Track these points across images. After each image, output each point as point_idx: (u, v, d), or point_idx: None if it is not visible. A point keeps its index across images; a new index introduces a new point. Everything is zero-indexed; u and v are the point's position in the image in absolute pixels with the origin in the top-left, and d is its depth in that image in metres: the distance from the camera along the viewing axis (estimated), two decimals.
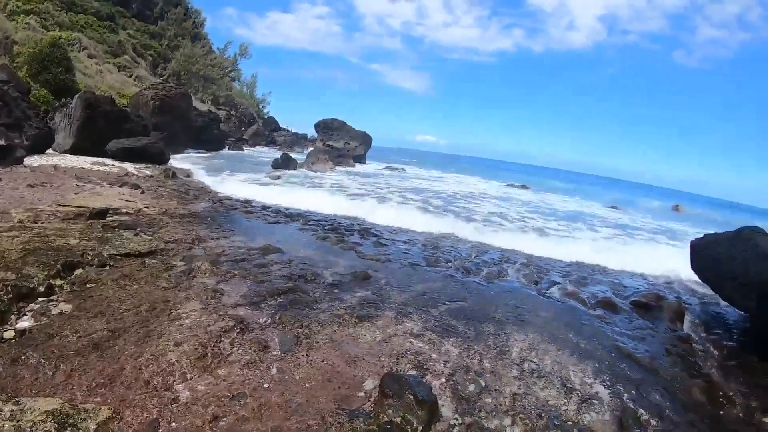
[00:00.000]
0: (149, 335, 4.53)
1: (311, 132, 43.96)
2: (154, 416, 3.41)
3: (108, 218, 8.29)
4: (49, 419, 3.26)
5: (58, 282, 5.40)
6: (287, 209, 11.51)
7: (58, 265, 5.63)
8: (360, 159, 30.70)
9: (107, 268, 6.12)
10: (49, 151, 15.14)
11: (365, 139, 32.49)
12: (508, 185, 33.47)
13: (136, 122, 18.52)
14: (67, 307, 4.94)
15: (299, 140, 42.93)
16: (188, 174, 15.85)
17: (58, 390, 3.58)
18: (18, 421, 3.21)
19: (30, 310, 4.79)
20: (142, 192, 11.19)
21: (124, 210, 8.94)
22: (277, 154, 24.92)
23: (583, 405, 4.11)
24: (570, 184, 48.10)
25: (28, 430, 3.16)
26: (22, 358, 3.91)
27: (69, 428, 3.22)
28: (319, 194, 13.68)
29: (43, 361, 3.92)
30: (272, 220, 10.46)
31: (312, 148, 32.76)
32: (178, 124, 22.79)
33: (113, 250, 6.51)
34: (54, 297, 5.16)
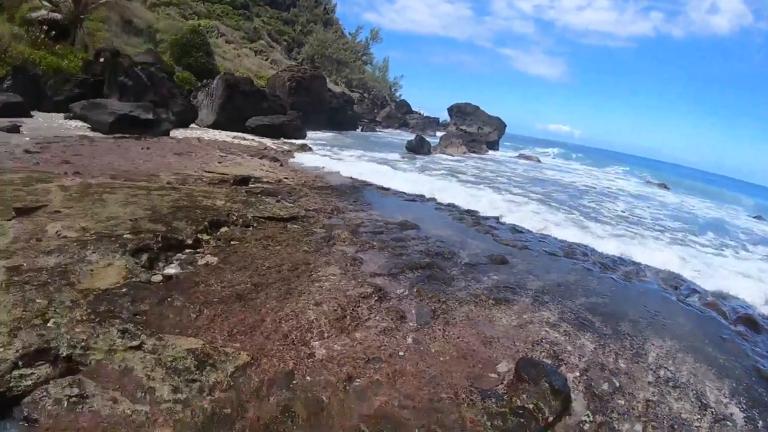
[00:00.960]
0: (290, 292, 4.75)
1: (442, 116, 44.34)
2: (290, 368, 3.58)
3: (250, 185, 8.77)
4: (190, 356, 3.54)
5: (205, 237, 5.78)
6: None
7: (206, 222, 6.05)
8: (493, 145, 30.12)
9: (251, 228, 6.48)
10: (193, 125, 16.81)
11: (499, 125, 31.83)
12: (646, 182, 30.99)
13: (273, 101, 19.90)
14: (213, 260, 5.25)
15: (431, 123, 43.34)
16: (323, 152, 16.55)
17: (199, 332, 3.87)
18: (159, 355, 3.53)
19: (177, 259, 5.20)
20: (281, 165, 11.79)
21: (265, 179, 9.45)
22: (410, 136, 25.21)
23: (716, 425, 3.87)
24: (709, 186, 43.47)
25: (169, 363, 3.44)
26: (168, 300, 4.27)
27: (208, 367, 3.47)
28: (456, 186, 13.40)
29: (187, 304, 4.25)
30: (408, 198, 10.49)
31: (444, 132, 32.73)
32: (313, 104, 24.06)
33: (257, 213, 6.87)
34: (200, 250, 5.52)
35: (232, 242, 5.96)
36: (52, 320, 3.71)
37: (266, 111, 18.86)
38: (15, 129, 11.34)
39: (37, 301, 3.87)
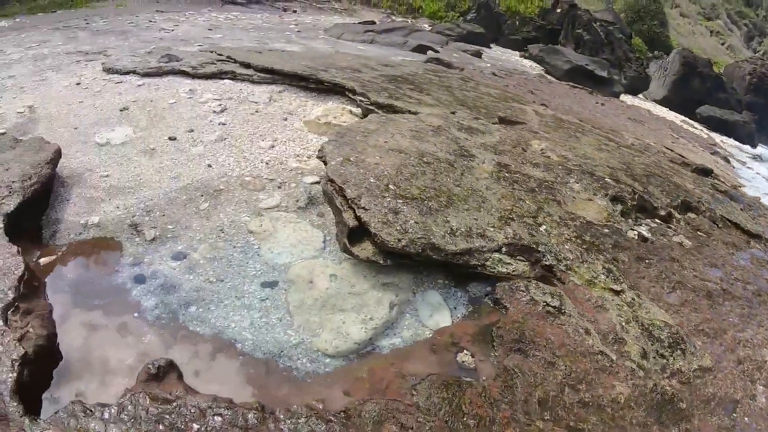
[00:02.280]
0: (751, 317, 4.06)
1: None
2: (737, 398, 3.20)
3: (712, 179, 7.87)
4: (666, 330, 3.37)
5: (677, 215, 5.31)
6: None
7: (679, 200, 5.56)
8: None
9: (717, 227, 5.74)
10: (640, 96, 16.19)
11: None
12: None
13: (729, 94, 17.72)
14: (686, 242, 4.81)
15: None
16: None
17: (670, 309, 3.67)
18: (635, 311, 3.46)
19: (646, 225, 4.90)
20: (733, 167, 10.43)
21: (722, 178, 8.36)
22: None
23: None
24: None
25: (645, 324, 3.37)
26: (646, 262, 4.13)
27: (678, 351, 3.28)
28: None
29: (663, 276, 4.04)
30: None
31: None
32: None
33: (724, 212, 6.06)
34: (672, 226, 5.10)
35: (698, 232, 5.37)
36: (543, 226, 3.82)
37: (720, 103, 16.99)
38: (478, 54, 13.06)
39: (527, 202, 4.09)
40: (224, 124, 5.40)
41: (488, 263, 3.45)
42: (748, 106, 19.36)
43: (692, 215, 5.83)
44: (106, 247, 3.57)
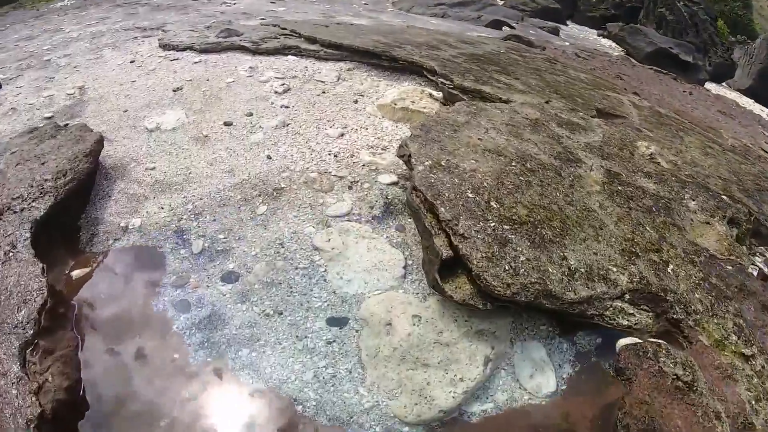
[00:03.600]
0: None
1: None
2: None
3: None
4: None
5: None
6: None
7: None
8: None
9: None
10: (724, 84, 14.80)
11: None
12: None
13: None
14: None
15: None
16: None
17: None
18: (764, 384, 2.68)
19: (761, 255, 4.08)
20: None
21: None
22: None
23: None
24: None
25: None
26: None
27: None
28: None
29: None
30: None
31: None
32: None
33: None
34: None
35: None
36: (670, 265, 3.04)
37: None
38: (555, 32, 12.05)
39: (647, 228, 3.31)
40: (287, 107, 4.70)
41: (607, 313, 2.71)
42: None
43: None
44: (146, 259, 2.98)
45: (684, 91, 9.79)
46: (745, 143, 7.41)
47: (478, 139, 3.75)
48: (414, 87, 5.38)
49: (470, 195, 3.00)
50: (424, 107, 4.90)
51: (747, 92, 15.03)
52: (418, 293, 2.84)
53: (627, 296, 2.77)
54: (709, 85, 13.01)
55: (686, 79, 11.84)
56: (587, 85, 6.21)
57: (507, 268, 2.58)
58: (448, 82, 5.09)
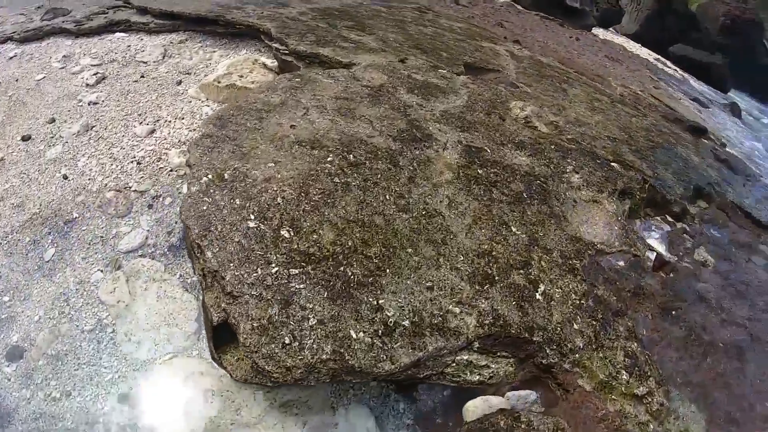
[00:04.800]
0: None
1: None
2: None
3: (707, 140, 6.28)
4: None
5: (691, 209, 3.72)
6: None
7: (691, 186, 3.98)
8: None
9: (729, 216, 4.27)
10: (611, 30, 14.43)
11: None
12: None
13: (703, 34, 16.10)
14: (709, 260, 3.23)
15: None
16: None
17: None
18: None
19: (658, 230, 3.40)
20: (713, 116, 9.05)
21: (713, 137, 6.80)
22: None
23: None
24: None
25: None
26: (672, 314, 2.61)
27: None
28: None
29: (691, 343, 2.61)
30: None
31: None
32: (740, 54, 19.09)
33: (734, 197, 4.57)
34: (687, 228, 3.53)
35: (713, 229, 3.90)
36: (540, 287, 2.13)
37: (693, 42, 15.43)
38: None
39: (513, 230, 2.38)
40: (95, 104, 3.57)
41: (449, 370, 1.79)
42: (720, 47, 17.82)
43: (703, 204, 4.29)
44: None
45: (571, 37, 9.08)
46: (634, 90, 6.73)
47: (291, 126, 2.66)
48: (248, 56, 4.21)
49: (252, 224, 1.96)
50: (253, 82, 3.75)
51: (634, 37, 14.83)
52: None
53: (476, 344, 1.83)
54: (597, 31, 12.51)
55: (573, 25, 11.20)
56: (459, 36, 5.22)
57: (288, 341, 1.59)
58: (282, 47, 3.93)
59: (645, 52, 12.99)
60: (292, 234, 1.96)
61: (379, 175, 2.39)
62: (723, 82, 14.73)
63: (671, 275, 2.94)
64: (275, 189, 2.17)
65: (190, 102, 3.63)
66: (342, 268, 1.89)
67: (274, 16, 4.51)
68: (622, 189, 3.27)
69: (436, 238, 2.14)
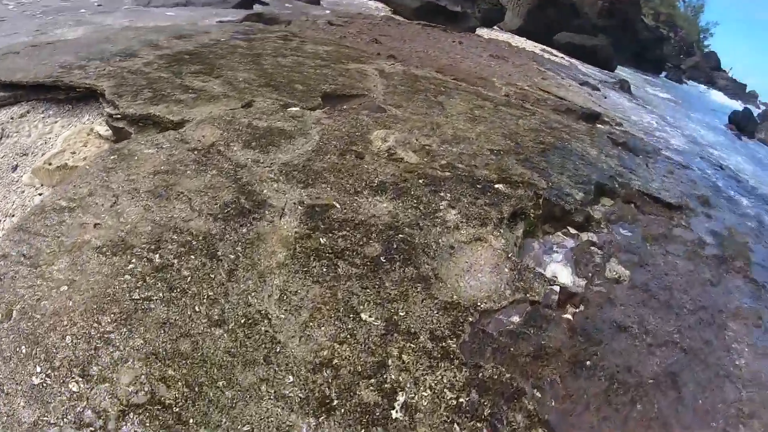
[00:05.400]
0: None
1: (751, 85, 35.20)
2: None
3: (601, 125, 6.03)
4: None
5: (595, 214, 3.31)
6: None
7: (592, 186, 3.57)
8: None
9: (640, 212, 3.89)
10: (496, 28, 14.48)
11: None
12: None
13: (584, 20, 16.63)
14: (623, 272, 2.79)
15: (740, 91, 34.52)
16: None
17: None
18: None
19: (560, 247, 3.01)
20: (605, 97, 8.89)
21: (608, 119, 6.57)
22: (722, 100, 19.67)
23: None
24: None
25: None
26: (584, 367, 2.12)
27: None
28: None
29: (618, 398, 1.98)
30: None
31: (760, 110, 25.81)
32: (621, 33, 19.93)
33: (640, 185, 4.19)
34: (595, 239, 3.11)
35: (622, 229, 3.50)
36: (400, 399, 1.54)
37: (576, 29, 15.82)
38: (315, 1, 10.46)
39: (363, 318, 1.77)
40: None
41: None
42: (602, 29, 18.46)
43: (608, 202, 3.92)
44: None
45: (453, 42, 8.77)
46: (521, 87, 6.39)
47: (95, 226, 1.99)
48: (82, 127, 3.48)
49: (36, 380, 1.40)
50: (85, 158, 3.04)
51: (519, 32, 14.98)
52: None
53: None
54: (481, 31, 12.39)
55: (456, 28, 10.99)
56: (323, 62, 4.66)
57: None
58: (114, 111, 3.24)
59: (531, 45, 13.02)
60: (82, 386, 1.31)
61: (189, 278, 1.76)
62: (609, 62, 15.07)
63: (580, 310, 2.45)
64: (65, 324, 1.52)
65: (23, 192, 2.91)
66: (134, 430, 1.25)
67: (114, 72, 3.81)
68: (511, 213, 2.78)
69: (257, 357, 1.52)
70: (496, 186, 2.93)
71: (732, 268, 3.92)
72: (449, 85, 4.89)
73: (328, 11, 9.31)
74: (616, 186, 4.09)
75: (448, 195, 2.68)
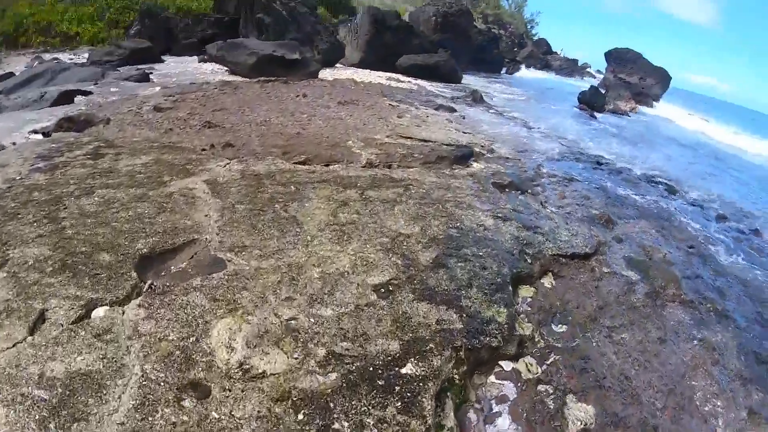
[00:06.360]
0: None
1: (581, 58, 37.75)
2: None
3: (476, 163, 5.39)
4: None
5: (525, 327, 2.51)
6: None
7: (507, 282, 2.75)
8: (655, 100, 24.29)
9: (552, 282, 3.16)
10: (338, 65, 13.76)
11: (663, 77, 25.24)
12: None
13: (422, 39, 16.62)
14: (588, 416, 1.95)
15: (574, 67, 37.00)
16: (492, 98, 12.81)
17: None
18: None
19: (501, 403, 2.04)
20: (463, 117, 8.38)
21: (478, 148, 5.99)
22: (560, 80, 20.62)
23: None
24: None
25: None
26: None
27: None
28: None
29: None
30: None
31: (597, 80, 27.68)
32: (459, 42, 20.30)
33: (550, 246, 3.48)
34: (530, 365, 2.29)
35: (556, 327, 2.77)
36: None
37: (416, 49, 15.65)
38: (145, 78, 9.06)
39: None
40: None
41: None
42: (439, 43, 18.56)
43: (528, 292, 3.13)
44: None
45: (297, 96, 7.83)
46: (381, 141, 5.55)
47: None
48: None
49: None
50: None
51: (361, 65, 14.42)
52: None
53: None
54: (324, 73, 11.60)
55: (298, 76, 10.09)
56: (140, 189, 3.46)
57: None
58: None
59: (375, 77, 12.46)
60: None
61: None
62: (453, 75, 14.99)
63: None
64: None
65: None
66: None
67: None
68: (434, 404, 1.81)
69: None
70: (404, 371, 1.95)
71: (666, 298, 3.33)
72: (300, 177, 3.89)
73: (157, 88, 7.97)
74: (528, 262, 3.32)
75: (345, 424, 1.66)
